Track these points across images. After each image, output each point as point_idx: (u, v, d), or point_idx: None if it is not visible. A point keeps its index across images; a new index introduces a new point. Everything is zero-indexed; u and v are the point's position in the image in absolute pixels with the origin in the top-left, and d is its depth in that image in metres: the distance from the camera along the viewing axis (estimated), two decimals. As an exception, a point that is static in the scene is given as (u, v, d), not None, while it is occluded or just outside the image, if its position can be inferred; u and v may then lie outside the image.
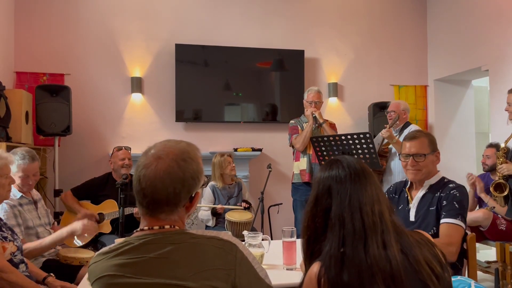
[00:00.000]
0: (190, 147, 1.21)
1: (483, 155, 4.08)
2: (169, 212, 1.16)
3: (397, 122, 3.93)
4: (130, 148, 3.91)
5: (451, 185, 2.13)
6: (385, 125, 3.87)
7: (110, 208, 3.57)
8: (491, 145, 4.04)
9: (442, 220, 2.04)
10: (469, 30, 4.84)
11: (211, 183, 3.95)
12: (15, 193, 2.61)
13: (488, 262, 3.93)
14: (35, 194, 2.82)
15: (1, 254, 2.02)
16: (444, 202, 2.07)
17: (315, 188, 1.31)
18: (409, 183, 2.29)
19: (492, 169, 3.90)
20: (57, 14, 4.62)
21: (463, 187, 2.14)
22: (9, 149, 3.52)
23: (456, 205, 2.04)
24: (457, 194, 2.07)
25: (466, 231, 2.11)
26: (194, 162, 1.18)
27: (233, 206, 3.83)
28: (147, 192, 1.14)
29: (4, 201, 2.46)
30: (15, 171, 2.61)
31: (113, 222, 3.54)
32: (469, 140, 5.44)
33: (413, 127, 3.93)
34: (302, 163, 3.82)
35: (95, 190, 3.69)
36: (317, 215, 1.27)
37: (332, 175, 1.29)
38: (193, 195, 1.20)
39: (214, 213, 3.79)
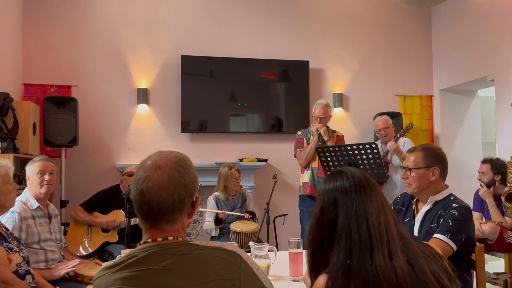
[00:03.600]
0: (182, 155, 1.25)
1: (478, 172, 3.86)
2: (173, 221, 1.16)
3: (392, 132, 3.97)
4: None
5: (454, 205, 2.06)
6: (397, 135, 3.82)
7: (118, 218, 3.60)
8: (485, 161, 3.82)
9: (433, 235, 2.00)
10: (474, 39, 4.84)
11: (215, 193, 3.94)
12: (32, 202, 2.58)
13: (497, 274, 3.88)
14: (52, 208, 2.78)
15: (7, 266, 2.01)
16: (441, 220, 2.04)
17: (320, 200, 1.31)
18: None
19: (489, 186, 3.74)
20: (64, 27, 4.68)
21: (467, 208, 2.07)
22: (16, 160, 3.55)
23: (450, 223, 1.99)
24: (455, 213, 2.01)
25: (476, 243, 2.08)
26: (190, 167, 1.22)
27: (236, 213, 3.82)
28: (153, 204, 1.14)
29: (17, 212, 2.46)
30: (31, 169, 2.61)
31: (120, 231, 3.56)
32: (475, 150, 5.40)
33: (407, 141, 3.97)
34: (305, 176, 3.82)
35: (104, 201, 3.72)
36: (323, 227, 1.27)
37: (337, 187, 1.29)
38: (194, 200, 1.21)
39: (217, 220, 3.77)
